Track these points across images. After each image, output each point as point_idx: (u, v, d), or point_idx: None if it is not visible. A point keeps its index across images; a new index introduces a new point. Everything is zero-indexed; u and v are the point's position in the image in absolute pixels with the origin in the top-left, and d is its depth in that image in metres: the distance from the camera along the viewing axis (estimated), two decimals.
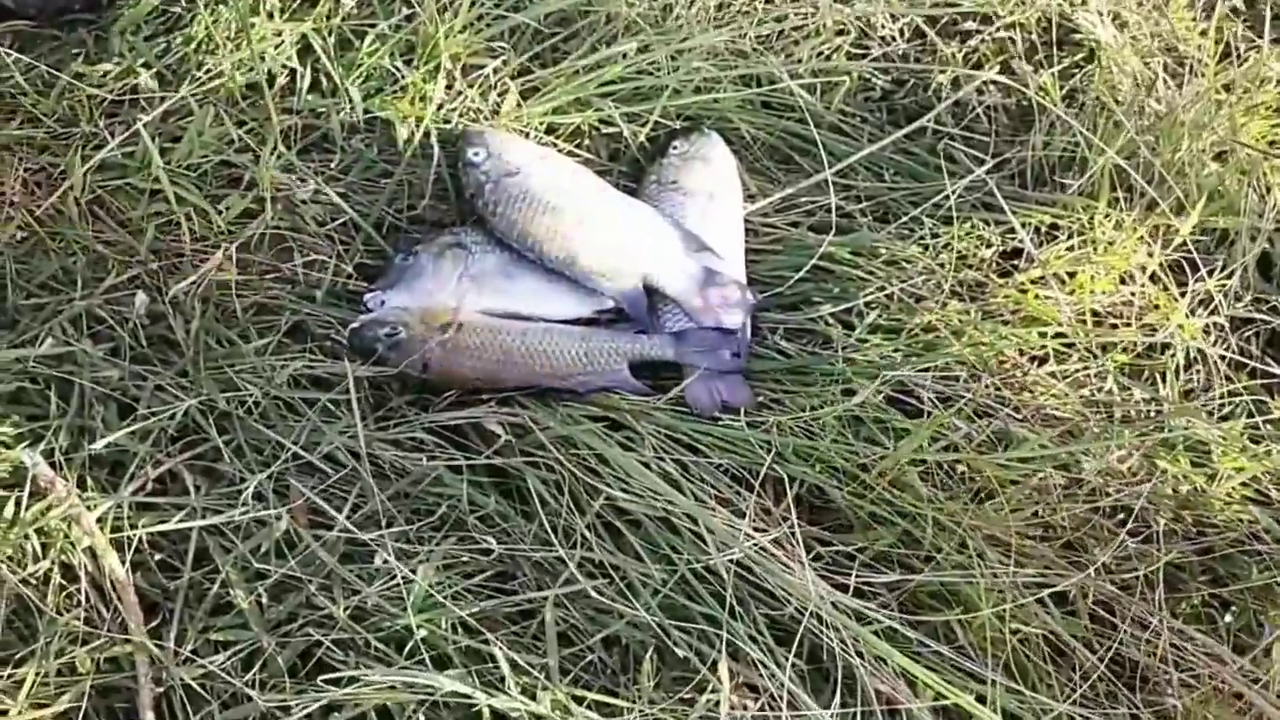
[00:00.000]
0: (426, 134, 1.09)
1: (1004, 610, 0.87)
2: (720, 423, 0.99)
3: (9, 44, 1.08)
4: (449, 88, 1.11)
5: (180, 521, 0.87)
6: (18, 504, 0.86)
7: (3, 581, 0.85)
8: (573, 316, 1.06)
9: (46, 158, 1.04)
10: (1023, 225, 1.11)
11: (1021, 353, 1.05)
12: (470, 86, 1.11)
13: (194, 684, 0.83)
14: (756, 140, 1.20)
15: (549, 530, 0.89)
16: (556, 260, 1.05)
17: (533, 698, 0.81)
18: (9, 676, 0.83)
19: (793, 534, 0.89)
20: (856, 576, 0.89)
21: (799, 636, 0.85)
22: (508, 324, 1.01)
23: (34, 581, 0.86)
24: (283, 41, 1.06)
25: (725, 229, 1.11)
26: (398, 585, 0.86)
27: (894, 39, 1.29)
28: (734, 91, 1.19)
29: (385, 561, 0.87)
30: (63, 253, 0.99)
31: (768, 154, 1.21)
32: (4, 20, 1.08)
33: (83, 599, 0.85)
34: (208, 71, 1.05)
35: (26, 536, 0.85)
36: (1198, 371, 1.07)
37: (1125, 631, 0.90)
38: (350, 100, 1.09)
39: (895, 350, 1.05)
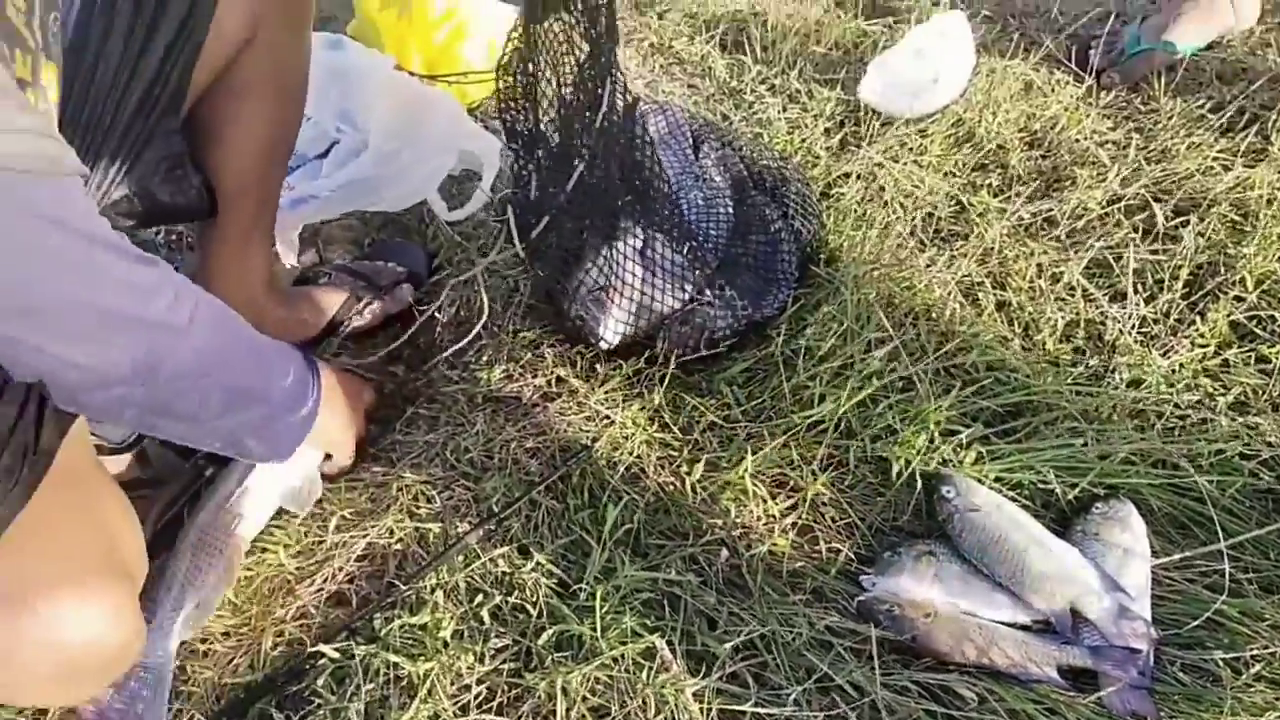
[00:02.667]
0: (913, 472, 1.59)
1: None
2: None
3: (658, 383, 1.75)
4: (931, 442, 1.61)
5: (739, 707, 1.34)
6: (647, 674, 1.38)
7: None
8: (1014, 621, 1.45)
9: (668, 452, 1.66)
10: None
11: None
12: (946, 444, 1.61)
13: None
14: (1162, 511, 1.57)
15: None
16: (1005, 578, 1.46)
17: None
18: None
19: None
20: None
21: None
22: (969, 619, 1.43)
23: None
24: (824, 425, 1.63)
25: (1134, 576, 1.46)
26: None
27: None
28: (1146, 471, 1.58)
29: None
30: (679, 514, 1.57)
31: (1170, 522, 1.57)
32: (659, 365, 1.77)
33: None
34: (783, 427, 1.64)
35: (651, 697, 1.37)
36: None
37: None
38: (861, 444, 1.62)
39: (1278, 699, 1.32)
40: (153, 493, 1.70)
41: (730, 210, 1.89)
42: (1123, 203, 1.97)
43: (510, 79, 1.48)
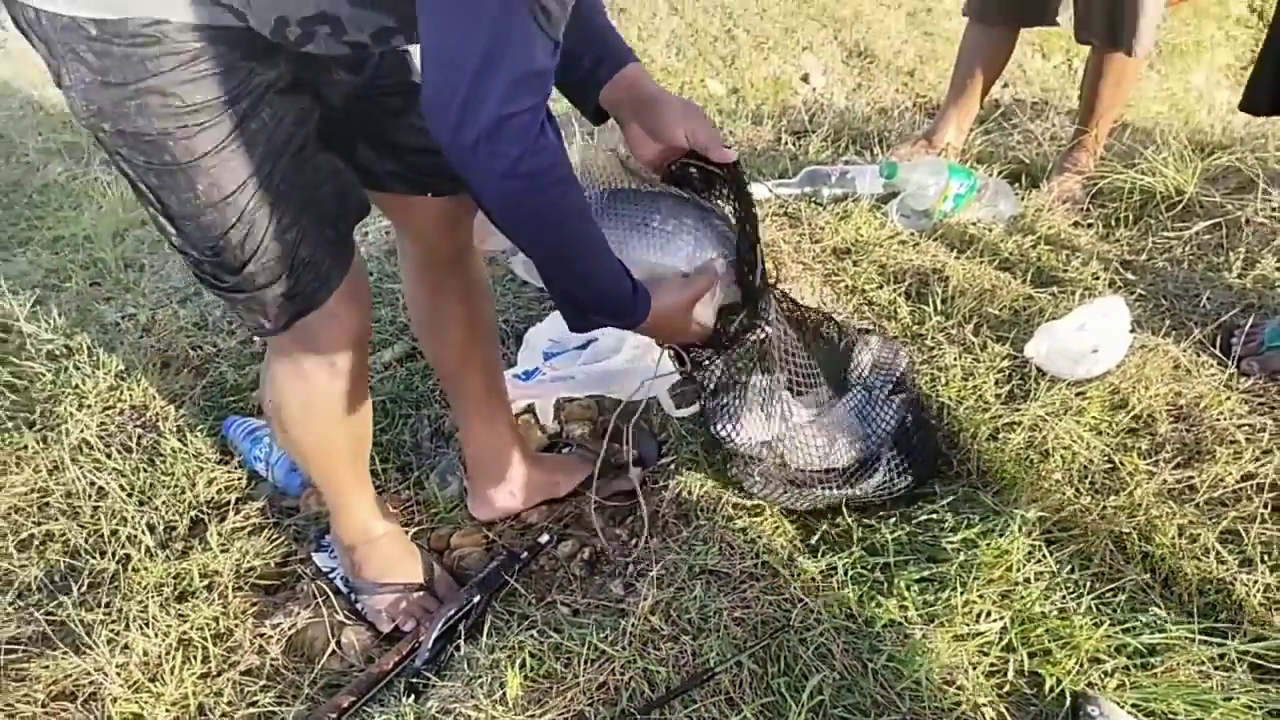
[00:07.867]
0: (1063, 690, 1.88)
1: None
2: None
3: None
4: (1080, 666, 1.91)
5: None
6: None
7: None
8: None
9: (853, 640, 2.00)
10: None
11: None
12: (1094, 669, 1.91)
13: None
14: None
15: None
16: None
17: None
18: None
19: None
20: None
21: None
22: None
23: None
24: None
25: None
26: None
27: None
28: (1264, 718, 1.84)
29: None
30: (860, 694, 1.91)
31: None
32: (851, 560, 2.14)
33: None
34: (953, 635, 1.98)
35: None
36: None
37: None
38: (1020, 659, 1.94)
39: None
40: (437, 610, 2.16)
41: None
42: (1254, 480, 2.28)
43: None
